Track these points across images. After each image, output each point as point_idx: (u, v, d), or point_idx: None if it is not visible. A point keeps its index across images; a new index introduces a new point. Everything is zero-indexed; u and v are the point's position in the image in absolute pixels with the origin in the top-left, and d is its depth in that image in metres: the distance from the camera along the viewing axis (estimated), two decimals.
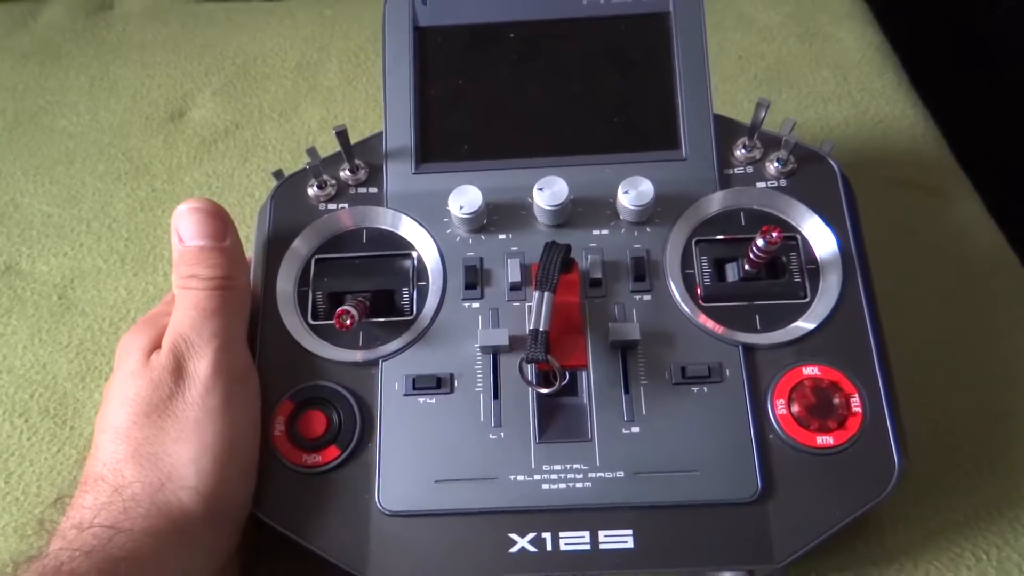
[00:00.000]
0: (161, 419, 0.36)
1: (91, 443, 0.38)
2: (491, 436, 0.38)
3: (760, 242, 0.38)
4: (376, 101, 0.65)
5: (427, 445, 0.38)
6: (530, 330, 0.37)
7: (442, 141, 0.44)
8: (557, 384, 0.37)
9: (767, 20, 0.69)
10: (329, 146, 0.45)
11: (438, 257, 0.42)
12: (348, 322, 0.38)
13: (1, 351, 0.52)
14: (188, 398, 0.37)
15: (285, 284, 0.42)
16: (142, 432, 0.36)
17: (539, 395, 0.39)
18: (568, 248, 0.39)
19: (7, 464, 0.48)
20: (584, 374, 0.39)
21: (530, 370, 0.38)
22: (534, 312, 0.37)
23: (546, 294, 0.37)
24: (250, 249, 0.44)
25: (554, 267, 0.38)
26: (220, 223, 0.40)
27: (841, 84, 0.63)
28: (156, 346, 0.38)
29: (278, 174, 0.45)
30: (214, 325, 0.38)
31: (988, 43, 0.81)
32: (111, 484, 0.36)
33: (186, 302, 0.38)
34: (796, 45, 0.67)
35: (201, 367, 0.37)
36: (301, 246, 0.43)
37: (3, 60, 0.71)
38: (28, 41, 0.72)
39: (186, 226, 0.40)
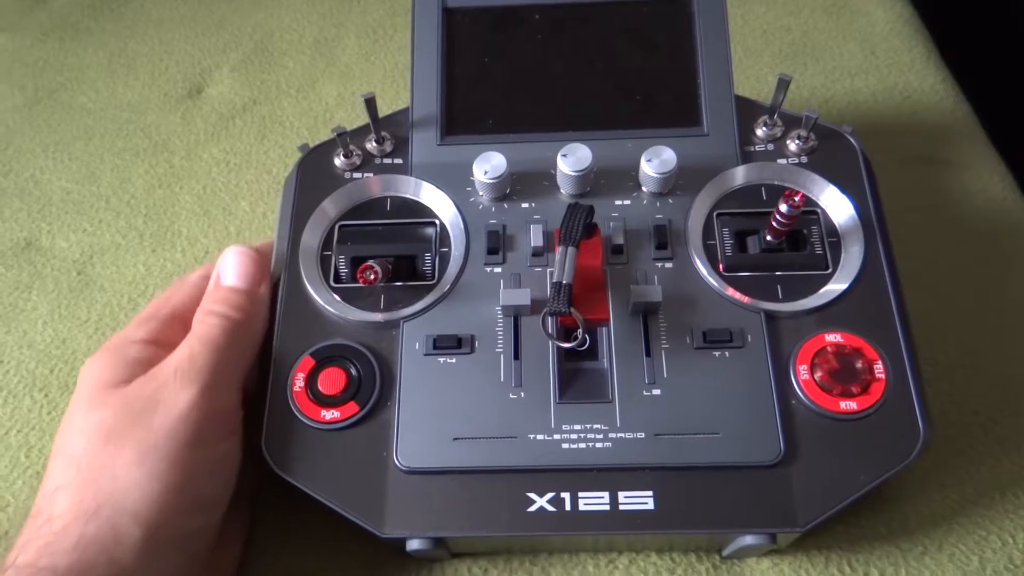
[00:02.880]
0: (119, 443, 0.35)
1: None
2: (511, 396, 0.38)
3: (783, 207, 0.38)
4: (393, 77, 0.66)
5: (446, 403, 0.38)
6: (553, 283, 0.37)
7: (467, 114, 0.45)
8: (579, 339, 0.37)
9: None
10: (346, 122, 0.46)
11: (461, 224, 0.42)
12: (372, 277, 0.39)
13: (22, 326, 0.52)
14: (155, 423, 0.35)
15: (310, 245, 0.42)
16: (96, 459, 0.34)
17: (560, 358, 0.39)
18: (591, 209, 0.39)
19: (28, 438, 0.47)
20: (605, 337, 0.39)
21: (551, 323, 0.38)
22: (557, 266, 0.37)
23: (569, 249, 0.37)
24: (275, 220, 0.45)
25: (577, 225, 0.38)
26: (259, 271, 0.41)
27: (868, 58, 0.63)
28: (124, 379, 0.37)
29: (304, 148, 0.46)
30: (212, 359, 0.37)
31: (1020, 15, 0.78)
32: (45, 515, 0.34)
33: (195, 336, 0.38)
34: (822, 18, 0.66)
35: (181, 397, 0.36)
36: (329, 208, 0.43)
37: (23, 37, 0.72)
38: (47, 18, 0.74)
39: (227, 268, 0.41)
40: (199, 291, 0.41)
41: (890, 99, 0.60)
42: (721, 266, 0.41)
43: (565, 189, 0.43)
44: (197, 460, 0.35)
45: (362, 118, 0.45)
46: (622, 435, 0.37)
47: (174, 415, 0.35)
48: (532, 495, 0.36)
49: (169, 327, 0.40)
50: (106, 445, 0.35)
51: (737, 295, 0.40)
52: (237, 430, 0.38)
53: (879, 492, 0.37)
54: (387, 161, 0.45)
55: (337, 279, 0.42)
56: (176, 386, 0.36)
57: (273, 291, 0.42)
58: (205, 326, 0.38)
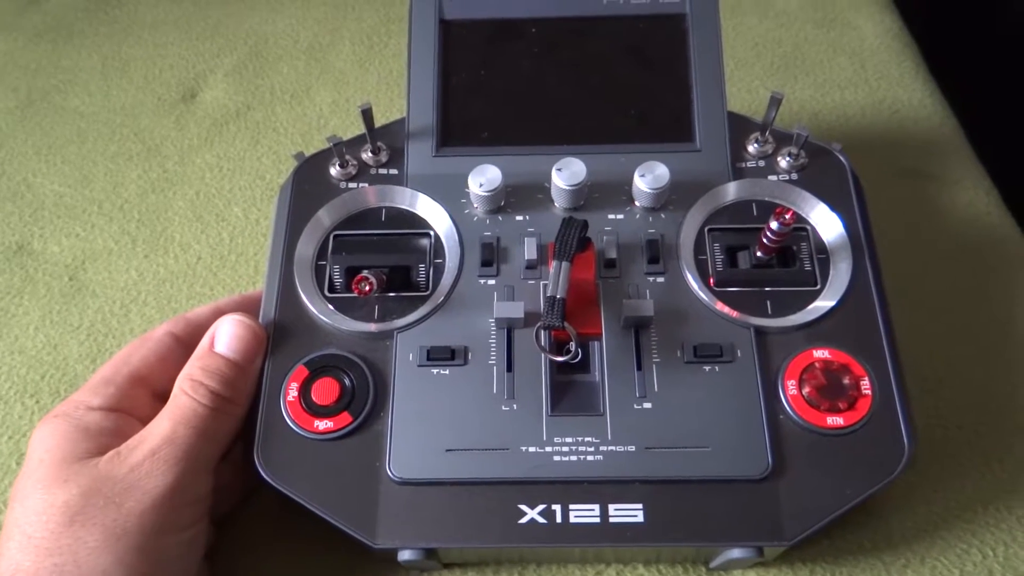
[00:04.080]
0: (85, 526, 0.33)
1: None
2: (503, 408, 0.38)
3: (774, 224, 0.39)
4: (388, 83, 0.66)
5: (439, 415, 0.38)
6: (547, 297, 0.37)
7: (463, 126, 0.46)
8: (571, 353, 0.37)
9: (784, 5, 0.69)
10: (340, 129, 0.46)
11: (455, 235, 0.43)
12: (367, 288, 0.39)
13: (13, 332, 0.52)
14: (127, 508, 0.33)
15: (304, 255, 0.43)
16: (57, 542, 0.33)
17: (552, 371, 0.39)
18: (585, 224, 0.40)
19: (19, 445, 0.47)
20: (597, 351, 0.40)
21: (545, 337, 0.38)
22: (551, 280, 0.38)
23: (563, 263, 0.38)
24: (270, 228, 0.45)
25: (572, 239, 0.38)
26: (258, 347, 0.39)
27: (858, 71, 0.64)
28: (87, 452, 0.35)
29: (300, 156, 0.46)
30: (194, 444, 0.36)
31: (1009, 30, 0.80)
32: None
33: (178, 412, 0.36)
34: (813, 31, 0.67)
35: (158, 483, 0.34)
36: (324, 217, 0.44)
37: (16, 39, 0.72)
38: (41, 20, 0.73)
39: (225, 334, 0.39)
40: (164, 350, 0.40)
41: (878, 113, 0.61)
42: (712, 281, 0.42)
43: (559, 202, 0.43)
44: (165, 546, 0.34)
45: (356, 125, 0.45)
46: (613, 448, 0.37)
47: (147, 501, 0.34)
48: (523, 507, 0.37)
49: (130, 392, 0.38)
50: (70, 526, 0.33)
51: (727, 310, 0.40)
52: (207, 514, 0.37)
53: (864, 505, 0.37)
54: (382, 171, 0.45)
55: (331, 289, 0.42)
56: (153, 470, 0.34)
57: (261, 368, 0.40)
58: (190, 402, 0.36)
